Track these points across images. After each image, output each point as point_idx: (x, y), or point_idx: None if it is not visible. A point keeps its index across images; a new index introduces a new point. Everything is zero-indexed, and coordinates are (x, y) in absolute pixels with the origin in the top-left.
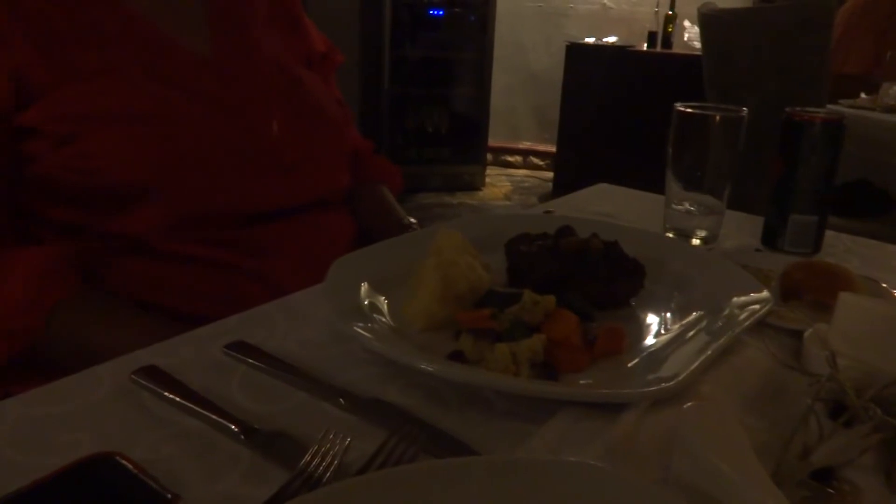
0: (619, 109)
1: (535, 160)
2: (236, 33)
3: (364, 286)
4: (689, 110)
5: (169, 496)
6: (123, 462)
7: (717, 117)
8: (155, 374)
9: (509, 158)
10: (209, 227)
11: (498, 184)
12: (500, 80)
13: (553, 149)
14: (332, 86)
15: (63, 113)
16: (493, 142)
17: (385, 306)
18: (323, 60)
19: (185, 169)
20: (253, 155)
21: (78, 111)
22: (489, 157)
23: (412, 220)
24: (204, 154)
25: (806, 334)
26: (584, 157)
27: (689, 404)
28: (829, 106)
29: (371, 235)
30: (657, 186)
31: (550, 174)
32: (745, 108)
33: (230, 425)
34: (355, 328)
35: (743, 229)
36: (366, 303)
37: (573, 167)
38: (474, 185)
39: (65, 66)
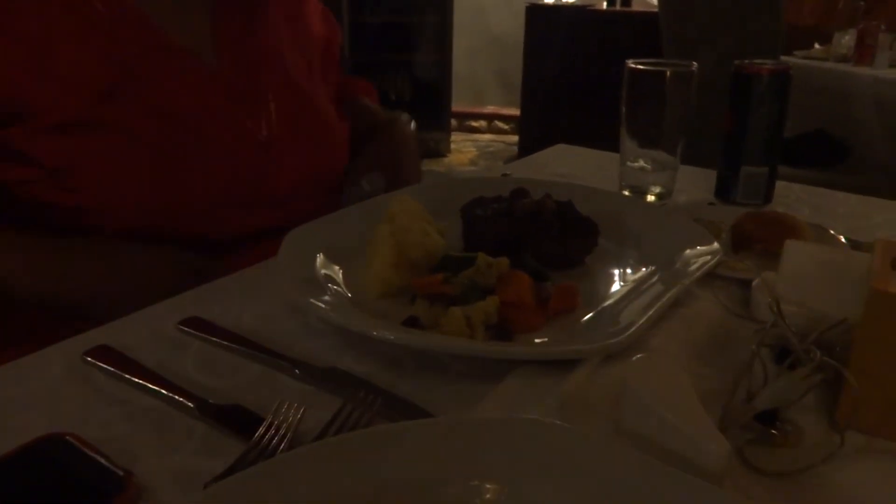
0: (581, 70)
1: (501, 124)
2: (243, 41)
3: (319, 257)
4: (640, 67)
5: (121, 473)
6: (74, 442)
7: (669, 73)
8: (107, 354)
9: (474, 123)
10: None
11: (464, 149)
12: (462, 44)
13: (518, 112)
14: (334, 75)
15: (60, 150)
16: (457, 107)
17: (340, 276)
18: (324, 53)
19: (178, 206)
20: (246, 183)
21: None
22: (454, 122)
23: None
24: (199, 192)
25: (754, 283)
26: (548, 120)
27: (637, 356)
28: (784, 58)
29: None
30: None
31: (516, 138)
32: (695, 63)
33: (184, 401)
34: (309, 300)
35: (697, 184)
36: (321, 273)
37: (538, 130)
38: (440, 151)
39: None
